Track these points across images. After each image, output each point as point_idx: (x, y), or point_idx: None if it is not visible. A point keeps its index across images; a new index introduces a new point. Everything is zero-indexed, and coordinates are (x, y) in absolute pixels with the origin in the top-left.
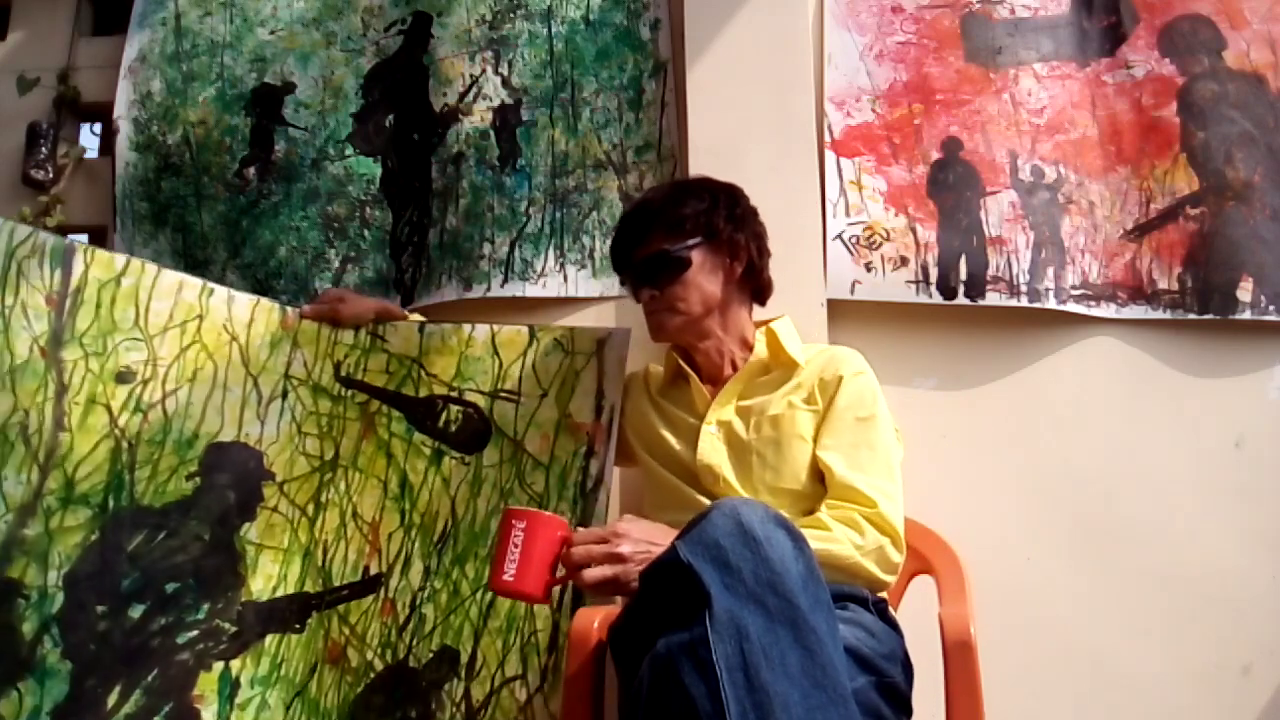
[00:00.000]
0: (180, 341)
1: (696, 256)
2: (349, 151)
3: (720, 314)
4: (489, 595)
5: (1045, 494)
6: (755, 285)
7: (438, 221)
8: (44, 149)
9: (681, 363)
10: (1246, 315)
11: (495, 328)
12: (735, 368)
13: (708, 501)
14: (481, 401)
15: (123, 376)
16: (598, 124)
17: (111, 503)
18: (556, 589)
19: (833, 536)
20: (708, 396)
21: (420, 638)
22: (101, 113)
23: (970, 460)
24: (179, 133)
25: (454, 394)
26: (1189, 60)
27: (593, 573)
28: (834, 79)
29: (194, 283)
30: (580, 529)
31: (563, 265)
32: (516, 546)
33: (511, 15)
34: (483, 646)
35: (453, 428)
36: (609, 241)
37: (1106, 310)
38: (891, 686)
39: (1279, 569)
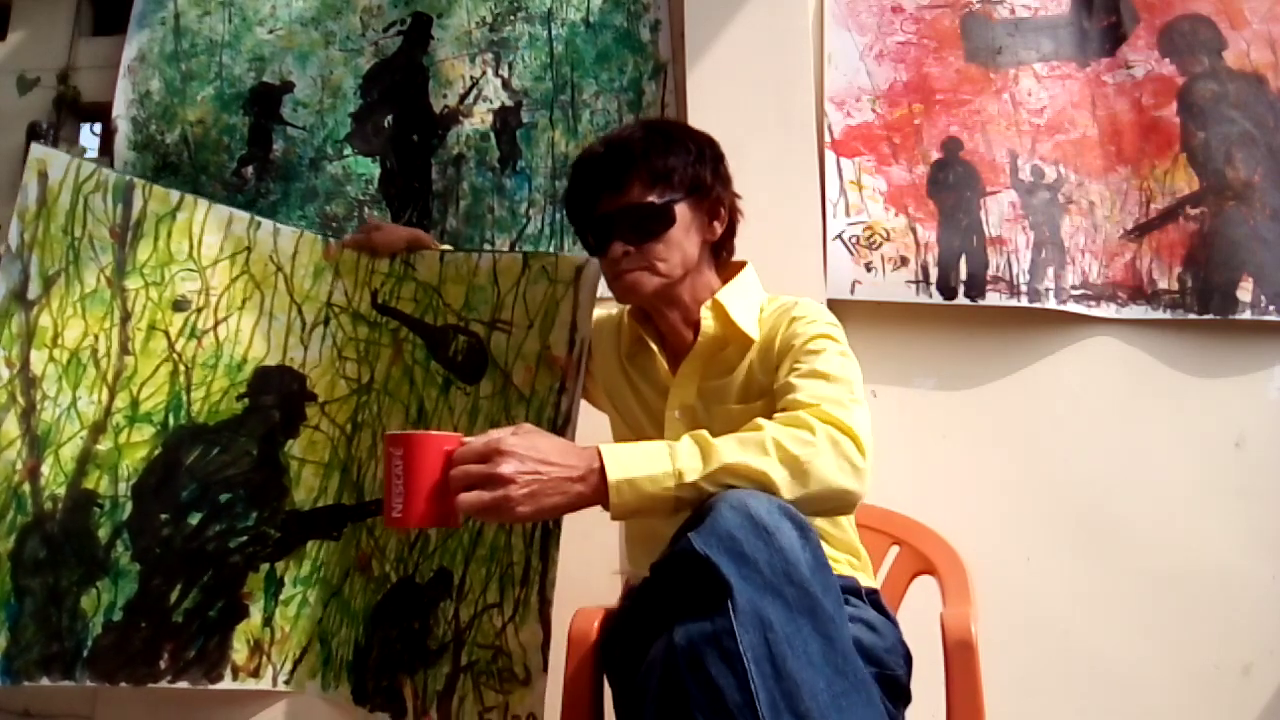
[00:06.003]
0: (230, 272)
1: (681, 213)
2: (347, 151)
3: (691, 278)
4: (478, 523)
5: (1045, 494)
6: (726, 248)
7: (438, 224)
8: None
9: (643, 333)
10: (1246, 315)
11: (497, 255)
12: (697, 335)
13: None
14: (482, 332)
15: (179, 305)
16: (598, 125)
17: (171, 421)
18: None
19: (758, 439)
20: (670, 372)
21: (425, 557)
22: (101, 112)
23: (970, 460)
24: (177, 132)
25: (462, 324)
26: (1189, 60)
27: (468, 498)
28: (834, 79)
29: (242, 216)
30: (465, 442)
31: None
32: (399, 477)
33: (512, 18)
34: (470, 572)
35: (459, 358)
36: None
37: (1106, 310)
38: (893, 679)
39: (1279, 569)
